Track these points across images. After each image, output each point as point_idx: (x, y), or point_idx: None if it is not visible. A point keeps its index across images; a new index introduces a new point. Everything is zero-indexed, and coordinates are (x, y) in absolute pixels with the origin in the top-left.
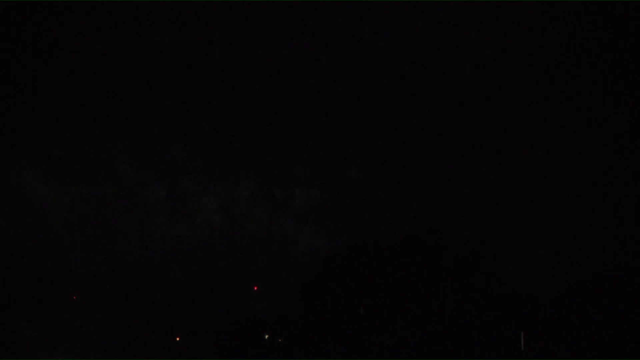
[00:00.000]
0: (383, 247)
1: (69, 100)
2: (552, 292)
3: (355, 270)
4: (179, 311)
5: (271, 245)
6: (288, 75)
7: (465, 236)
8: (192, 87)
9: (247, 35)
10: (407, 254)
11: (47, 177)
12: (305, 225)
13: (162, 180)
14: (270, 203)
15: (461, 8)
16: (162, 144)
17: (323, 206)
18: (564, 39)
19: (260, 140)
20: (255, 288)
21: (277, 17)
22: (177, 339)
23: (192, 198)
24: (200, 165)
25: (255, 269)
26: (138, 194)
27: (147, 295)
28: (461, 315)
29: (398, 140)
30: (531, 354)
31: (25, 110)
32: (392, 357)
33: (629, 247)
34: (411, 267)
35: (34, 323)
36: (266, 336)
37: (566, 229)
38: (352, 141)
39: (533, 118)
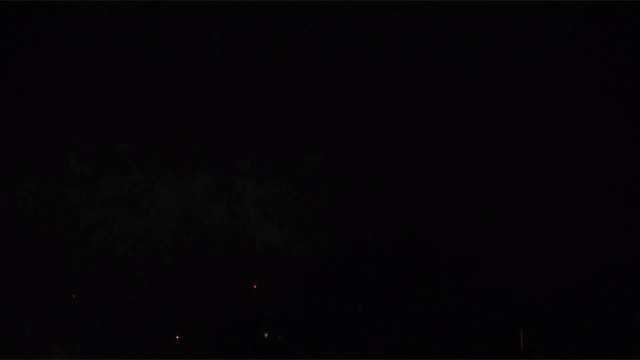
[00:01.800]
0: (382, 245)
1: (12, 94)
2: (551, 290)
3: (353, 268)
4: (176, 310)
5: (233, 240)
6: (244, 64)
7: (463, 234)
8: (141, 80)
9: (191, 25)
10: (406, 252)
11: None
12: (267, 219)
13: (115, 174)
14: (229, 196)
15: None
16: (111, 137)
17: (284, 199)
18: (564, 39)
19: (214, 131)
20: (255, 286)
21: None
22: (177, 337)
23: (148, 192)
24: (153, 159)
25: (251, 266)
26: (93, 189)
27: (131, 293)
28: (460, 314)
29: (390, 135)
30: (530, 353)
31: None
32: (391, 356)
33: (628, 245)
34: (410, 266)
35: (33, 322)
36: (265, 334)
37: (565, 227)
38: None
39: (532, 116)
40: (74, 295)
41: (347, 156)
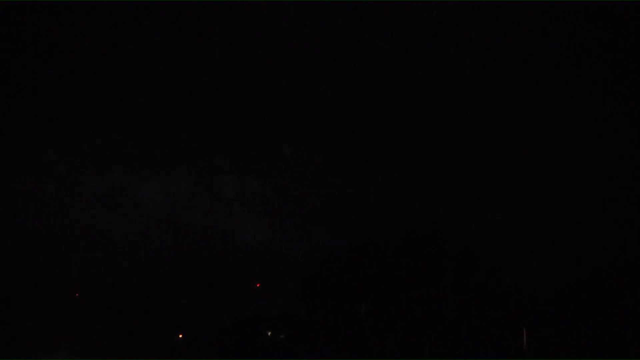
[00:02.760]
0: (383, 244)
1: None
2: (553, 289)
3: (355, 268)
4: (180, 310)
5: (214, 237)
6: (220, 62)
7: (465, 233)
8: (120, 75)
9: (172, 27)
10: (408, 251)
11: None
12: (249, 216)
13: (93, 171)
14: (209, 193)
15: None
16: (90, 132)
17: (265, 196)
18: (564, 39)
19: (193, 128)
20: (258, 285)
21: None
22: (180, 335)
23: (128, 189)
24: (133, 155)
25: (252, 266)
26: (71, 186)
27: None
28: (463, 313)
29: (387, 134)
30: (533, 351)
31: None
32: (393, 355)
33: (630, 244)
34: (412, 265)
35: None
36: (269, 333)
37: (567, 225)
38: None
39: (533, 116)
40: (77, 294)
41: (348, 156)
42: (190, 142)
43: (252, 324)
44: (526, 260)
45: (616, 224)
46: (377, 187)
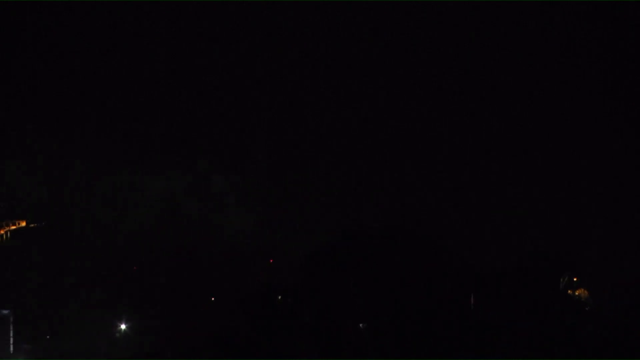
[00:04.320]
0: (365, 235)
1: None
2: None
3: (343, 253)
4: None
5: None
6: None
7: (433, 224)
8: (118, 83)
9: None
10: (387, 240)
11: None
12: (236, 210)
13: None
14: (202, 191)
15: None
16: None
17: (247, 191)
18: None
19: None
20: (271, 261)
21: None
22: (212, 299)
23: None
24: (132, 159)
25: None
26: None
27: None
28: (430, 285)
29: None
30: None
31: None
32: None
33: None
34: (391, 250)
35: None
36: (279, 297)
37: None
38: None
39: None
40: (135, 268)
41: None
42: (184, 145)
43: (266, 291)
44: (479, 242)
45: (552, 218)
46: (362, 183)
